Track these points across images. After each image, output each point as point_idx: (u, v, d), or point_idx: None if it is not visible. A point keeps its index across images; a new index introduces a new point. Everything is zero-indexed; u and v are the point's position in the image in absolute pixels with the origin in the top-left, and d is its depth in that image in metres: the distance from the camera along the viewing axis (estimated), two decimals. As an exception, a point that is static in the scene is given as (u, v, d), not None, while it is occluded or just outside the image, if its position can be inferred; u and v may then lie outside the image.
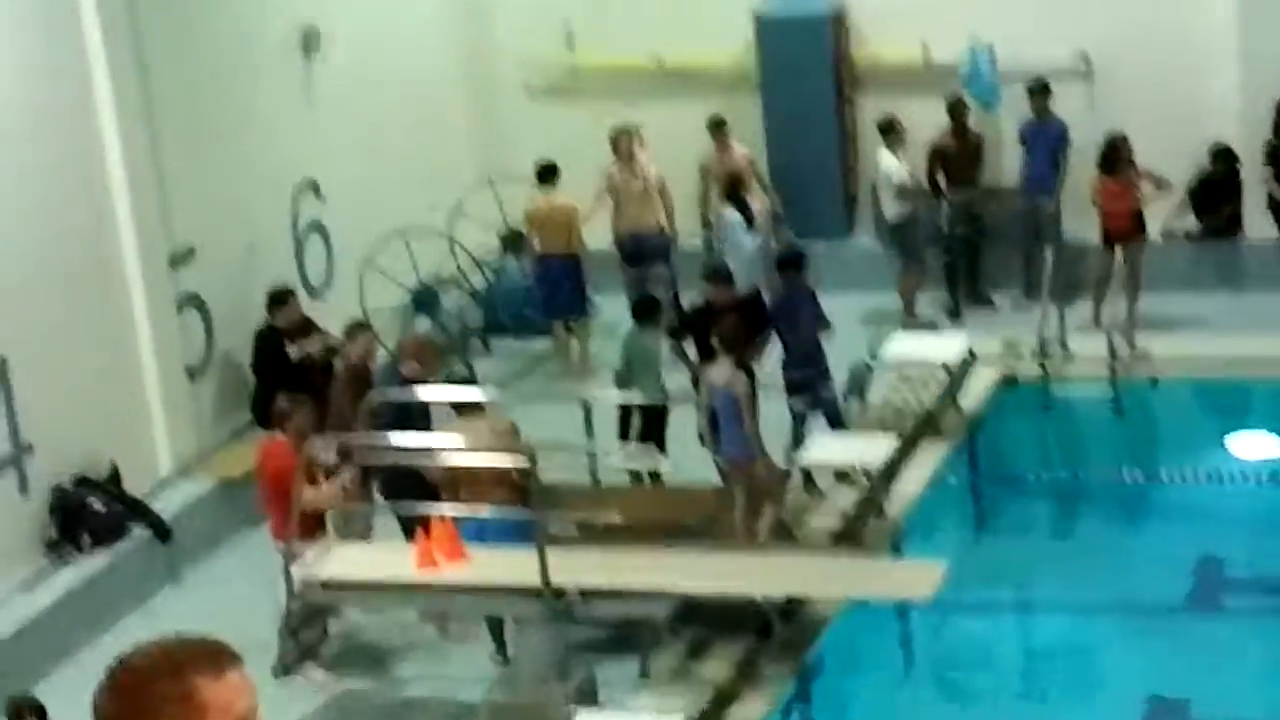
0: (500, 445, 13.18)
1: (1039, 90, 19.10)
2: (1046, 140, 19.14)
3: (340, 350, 15.29)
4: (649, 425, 15.15)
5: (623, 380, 15.38)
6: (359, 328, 15.26)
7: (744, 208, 18.09)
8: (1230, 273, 19.02)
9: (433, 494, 13.44)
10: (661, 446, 15.02)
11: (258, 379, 16.44)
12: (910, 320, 18.84)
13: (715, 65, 20.37)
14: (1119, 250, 18.10)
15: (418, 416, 14.15)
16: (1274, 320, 17.56)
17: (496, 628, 13.38)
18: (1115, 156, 18.17)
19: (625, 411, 15.28)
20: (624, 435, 15.23)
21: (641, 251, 18.79)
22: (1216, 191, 19.15)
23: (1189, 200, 19.16)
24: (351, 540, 13.59)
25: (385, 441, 13.55)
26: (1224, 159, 19.03)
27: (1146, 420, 17.57)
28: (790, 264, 15.89)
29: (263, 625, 12.97)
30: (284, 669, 13.27)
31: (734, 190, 18.27)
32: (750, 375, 14.44)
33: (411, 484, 13.61)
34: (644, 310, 15.68)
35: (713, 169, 19.32)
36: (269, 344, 16.34)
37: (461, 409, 13.73)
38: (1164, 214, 18.94)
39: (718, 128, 19.36)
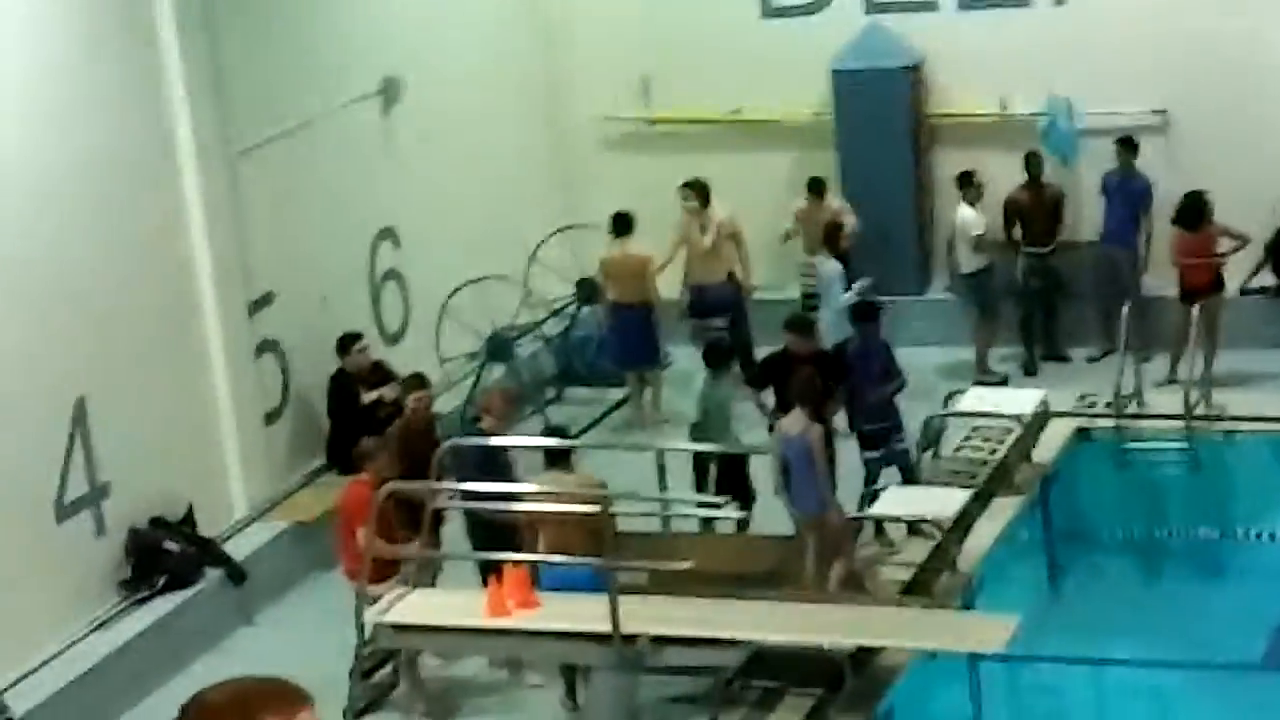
0: (586, 497, 13.19)
1: (1126, 145, 19.06)
2: (1130, 195, 19.10)
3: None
4: (725, 475, 15.11)
5: (698, 430, 15.35)
6: (415, 384, 15.28)
7: (845, 260, 18.01)
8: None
9: (519, 543, 13.48)
10: (743, 496, 14.96)
11: (331, 423, 16.59)
12: (984, 374, 18.82)
13: (792, 118, 20.43)
14: (1197, 306, 18.01)
15: (502, 467, 14.20)
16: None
17: (568, 674, 13.40)
18: (1194, 212, 18.13)
19: (701, 461, 15.25)
20: (700, 485, 15.19)
21: (706, 303, 18.80)
22: (1295, 248, 19.06)
23: (1267, 256, 19.08)
24: (418, 585, 13.61)
25: (454, 490, 13.68)
26: (1299, 213, 18.95)
27: (1222, 476, 17.42)
28: (866, 316, 15.91)
29: (334, 668, 13.02)
30: (354, 712, 13.32)
31: (834, 240, 18.20)
32: (826, 426, 14.44)
33: (497, 533, 13.63)
34: (714, 358, 15.66)
35: (806, 220, 19.35)
36: (341, 388, 16.49)
37: (551, 460, 13.72)
38: (1242, 270, 18.86)
39: (817, 186, 19.38)
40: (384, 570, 13.31)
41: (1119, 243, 19.10)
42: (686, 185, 18.99)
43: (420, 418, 14.93)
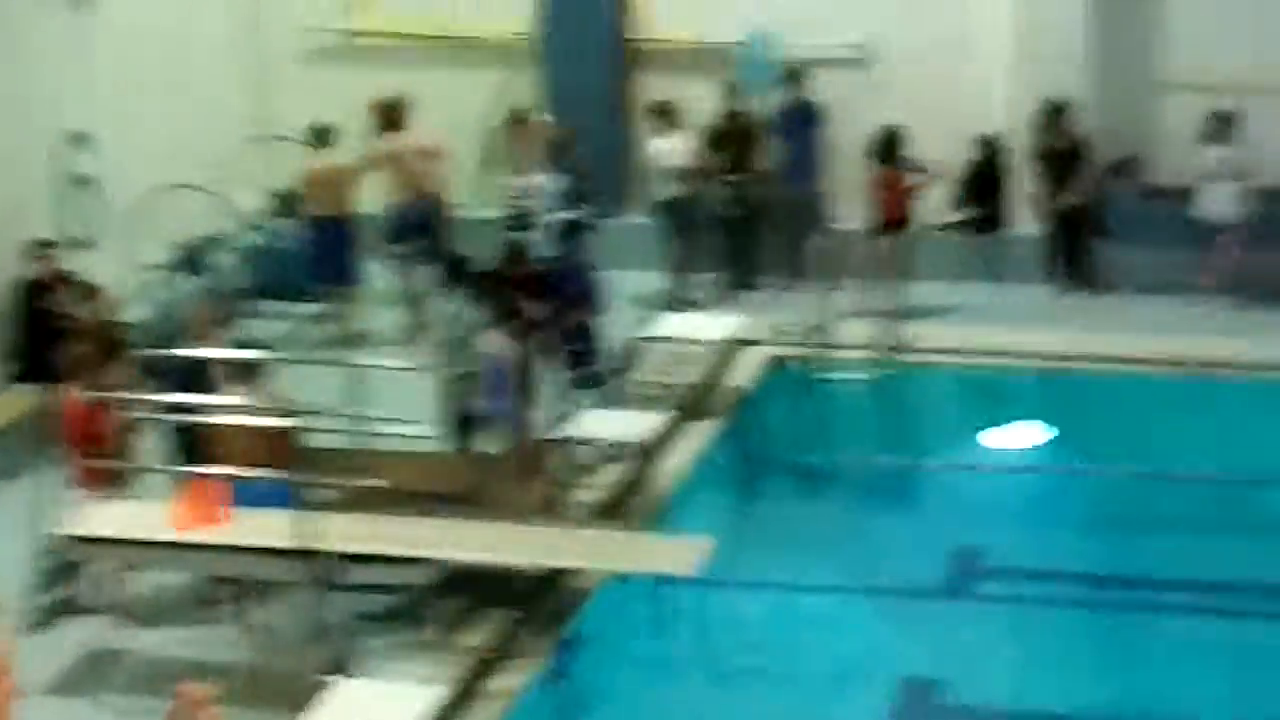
0: (266, 412, 13.00)
1: (794, 76, 19.35)
2: (804, 126, 19.38)
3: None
4: None
5: (439, 347, 15.16)
6: (85, 294, 14.86)
7: (574, 177, 17.80)
8: (993, 265, 19.40)
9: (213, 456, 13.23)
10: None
11: (14, 330, 16.19)
12: (679, 300, 18.98)
13: (497, 36, 20.32)
14: (887, 238, 18.38)
15: (206, 381, 13.90)
16: (1032, 312, 18.07)
17: (247, 593, 13.22)
18: (889, 147, 18.46)
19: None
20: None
21: (406, 224, 18.59)
22: (985, 183, 19.50)
23: (959, 191, 19.50)
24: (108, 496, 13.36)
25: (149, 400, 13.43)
26: (988, 148, 19.37)
27: (907, 407, 17.85)
28: (571, 236, 15.90)
29: (15, 579, 12.71)
30: (34, 624, 13.05)
31: (565, 154, 18.02)
32: (526, 346, 14.43)
33: (195, 445, 13.36)
34: (453, 275, 15.54)
35: (516, 141, 19.22)
36: (25, 295, 16.10)
37: (236, 374, 13.42)
38: (933, 204, 19.26)
39: (519, 117, 19.24)
40: (97, 480, 13.06)
41: (799, 175, 19.37)
42: (388, 101, 18.76)
43: (95, 328, 14.53)
